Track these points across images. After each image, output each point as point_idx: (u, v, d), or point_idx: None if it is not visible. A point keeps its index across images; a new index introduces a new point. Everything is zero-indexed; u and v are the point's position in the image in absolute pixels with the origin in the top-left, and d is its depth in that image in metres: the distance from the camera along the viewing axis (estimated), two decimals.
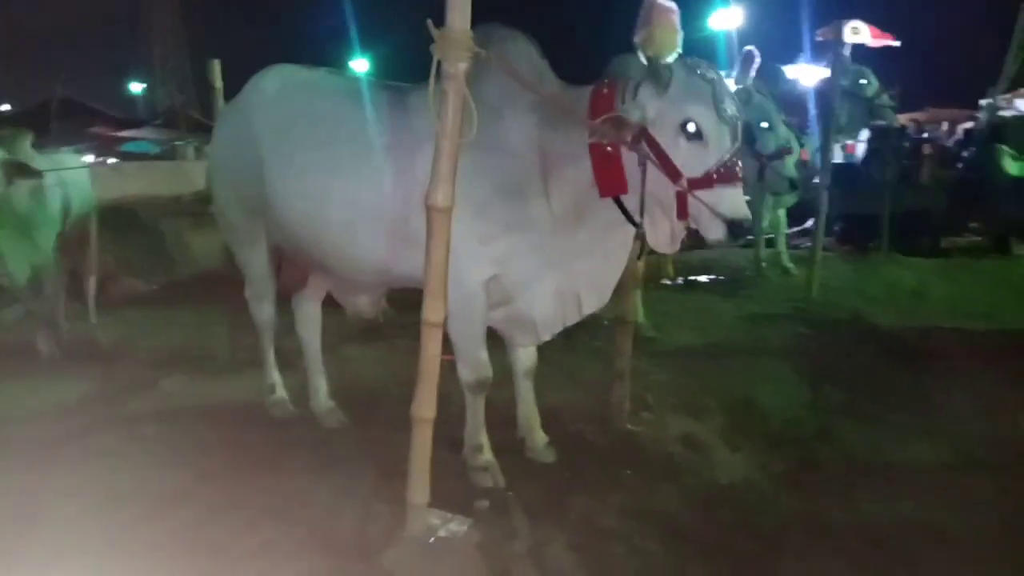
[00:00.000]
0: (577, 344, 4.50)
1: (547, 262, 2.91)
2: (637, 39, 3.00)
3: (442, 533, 2.51)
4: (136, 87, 30.14)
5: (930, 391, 4.12)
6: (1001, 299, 6.49)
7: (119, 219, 6.93)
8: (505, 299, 2.99)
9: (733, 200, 2.57)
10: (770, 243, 7.83)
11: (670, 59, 2.69)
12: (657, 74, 2.60)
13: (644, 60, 2.65)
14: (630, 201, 2.76)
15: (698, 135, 2.58)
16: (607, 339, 4.03)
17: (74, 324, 5.27)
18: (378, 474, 2.96)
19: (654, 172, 2.63)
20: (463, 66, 2.22)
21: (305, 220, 3.18)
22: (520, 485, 3.00)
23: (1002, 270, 8.02)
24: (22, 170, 4.64)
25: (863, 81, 7.89)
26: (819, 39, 9.06)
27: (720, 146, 2.58)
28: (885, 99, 8.14)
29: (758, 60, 4.59)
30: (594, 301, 3.05)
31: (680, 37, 3.05)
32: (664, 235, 2.81)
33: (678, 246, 2.86)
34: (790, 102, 7.48)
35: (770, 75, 7.02)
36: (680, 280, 7.17)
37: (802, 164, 7.25)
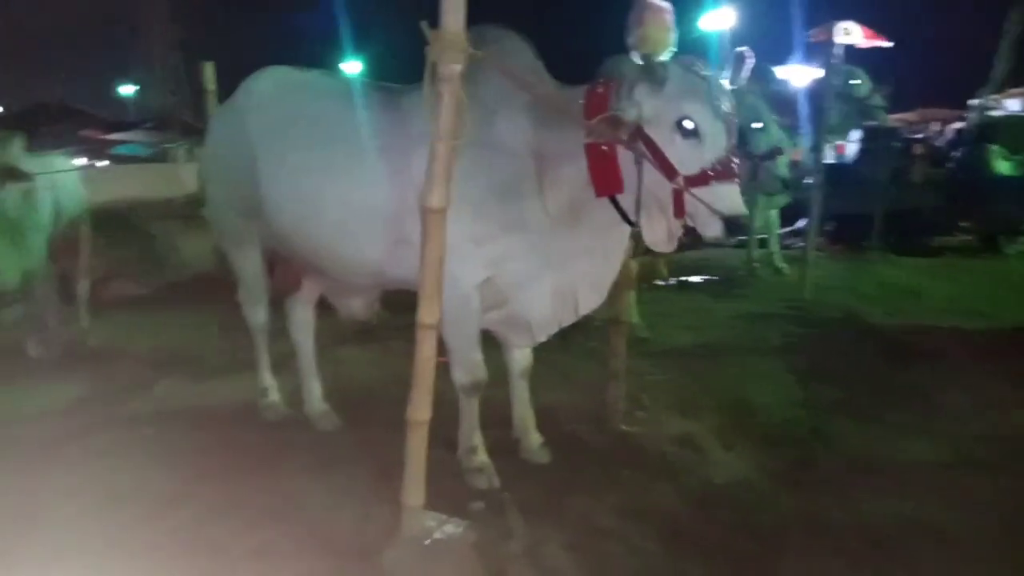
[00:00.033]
0: (572, 344, 4.49)
1: (543, 263, 2.90)
2: (630, 40, 3.01)
3: (438, 535, 2.51)
4: (128, 89, 30.03)
5: (926, 389, 4.12)
6: (993, 297, 6.51)
7: (110, 222, 6.90)
8: (500, 301, 2.98)
9: (730, 197, 2.57)
10: (763, 243, 7.86)
11: (664, 58, 2.69)
12: (652, 72, 2.59)
13: (639, 60, 2.65)
14: (626, 200, 2.75)
15: (694, 132, 2.57)
16: (601, 339, 4.03)
17: (66, 327, 5.26)
18: (375, 475, 2.96)
19: (650, 170, 2.62)
20: (458, 67, 2.22)
21: (299, 222, 3.17)
22: (516, 486, 3.00)
23: (993, 268, 8.08)
24: (13, 173, 4.62)
25: (855, 81, 7.95)
26: (811, 40, 9.09)
27: (716, 143, 2.58)
28: (876, 99, 8.20)
29: (751, 61, 4.62)
30: (590, 301, 3.04)
31: (674, 36, 3.06)
32: (661, 234, 2.80)
33: (675, 244, 2.85)
34: (782, 102, 7.51)
35: (762, 76, 7.05)
36: (673, 280, 7.18)
37: (794, 164, 7.28)
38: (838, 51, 7.23)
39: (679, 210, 2.62)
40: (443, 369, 2.72)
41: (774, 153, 6.63)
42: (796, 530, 2.76)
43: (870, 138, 9.67)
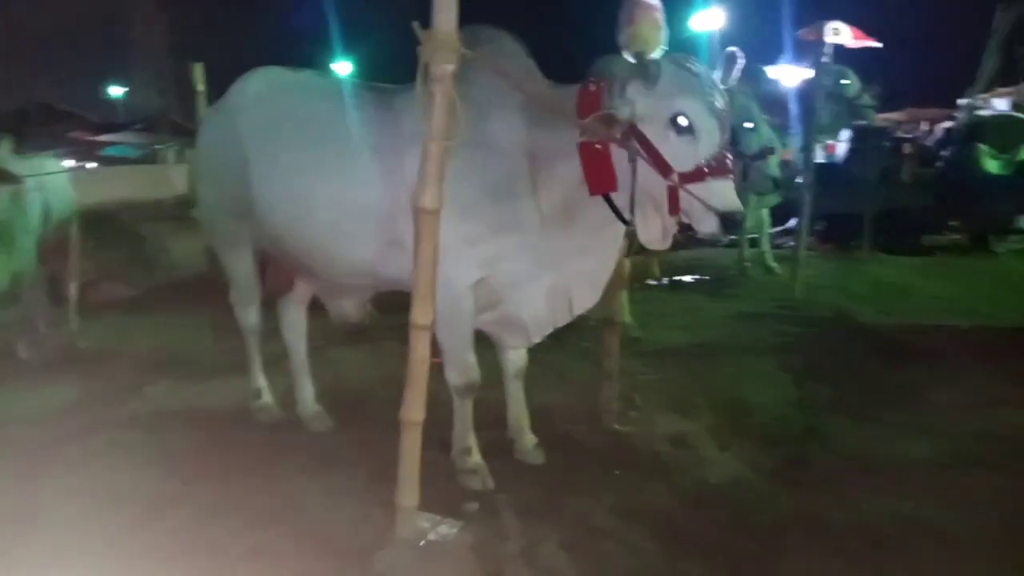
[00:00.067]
0: (566, 345, 4.49)
1: (537, 263, 2.90)
2: (621, 38, 3.00)
3: (432, 536, 2.52)
4: (117, 91, 29.88)
5: (920, 388, 4.13)
6: (984, 296, 6.54)
7: (100, 224, 6.89)
8: (494, 301, 2.97)
9: (725, 193, 2.56)
10: (754, 243, 7.88)
11: (656, 55, 2.69)
12: (645, 70, 2.58)
13: (630, 59, 2.65)
14: (620, 199, 2.75)
15: (688, 129, 2.57)
16: (595, 340, 4.03)
17: (55, 329, 5.23)
18: (370, 476, 2.97)
19: (644, 168, 2.62)
20: (450, 67, 2.21)
21: (291, 222, 3.16)
22: (510, 486, 3.00)
23: (983, 267, 8.13)
24: (1, 176, 4.59)
25: (845, 81, 7.96)
26: (801, 39, 9.11)
27: (710, 139, 2.57)
28: (866, 99, 8.21)
29: (741, 61, 4.63)
30: (585, 301, 3.04)
31: (664, 34, 3.05)
32: (656, 231, 2.79)
33: (670, 242, 2.84)
34: (772, 102, 7.52)
35: (752, 76, 7.06)
36: (665, 280, 7.20)
37: (785, 164, 7.29)
38: (828, 51, 7.25)
39: (674, 207, 2.61)
40: (437, 370, 2.71)
41: (765, 153, 6.63)
42: (794, 529, 2.76)
43: (860, 138, 9.70)
